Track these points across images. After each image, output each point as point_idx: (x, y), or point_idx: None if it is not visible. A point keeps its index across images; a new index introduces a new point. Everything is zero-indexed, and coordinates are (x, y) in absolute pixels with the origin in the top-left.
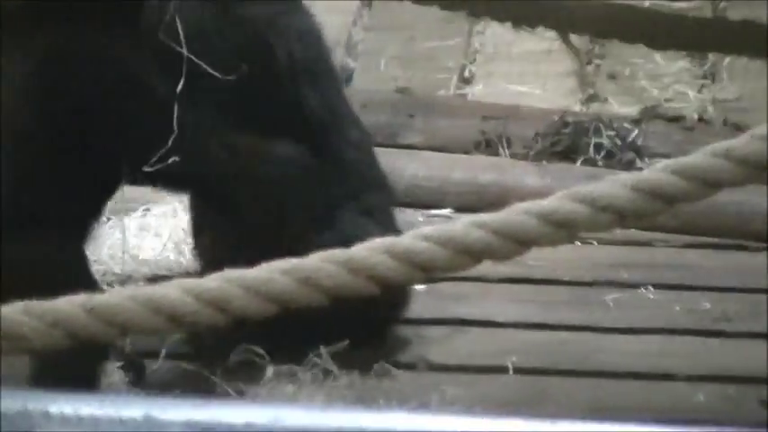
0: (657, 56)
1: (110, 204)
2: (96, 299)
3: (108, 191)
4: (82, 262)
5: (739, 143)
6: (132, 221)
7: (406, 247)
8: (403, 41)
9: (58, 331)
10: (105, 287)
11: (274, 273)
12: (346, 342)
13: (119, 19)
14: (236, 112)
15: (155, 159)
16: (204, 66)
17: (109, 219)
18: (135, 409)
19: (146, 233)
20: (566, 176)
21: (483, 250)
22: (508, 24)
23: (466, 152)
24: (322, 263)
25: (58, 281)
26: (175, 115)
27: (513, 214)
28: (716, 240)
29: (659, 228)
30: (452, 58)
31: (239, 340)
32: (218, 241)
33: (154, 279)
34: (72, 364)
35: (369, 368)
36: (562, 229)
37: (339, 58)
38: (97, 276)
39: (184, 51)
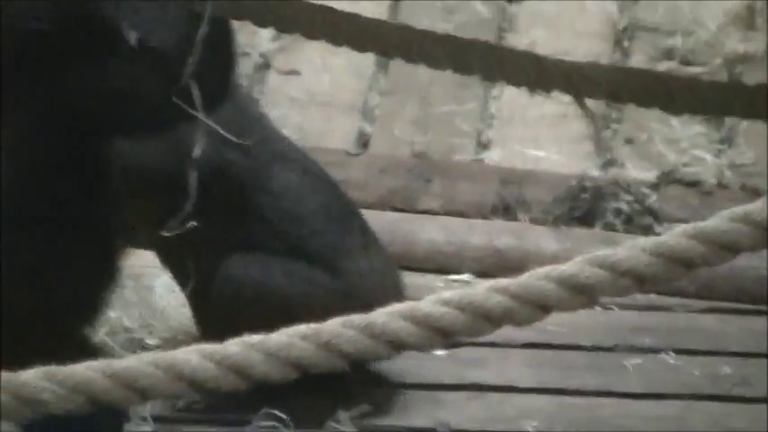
0: (674, 120)
1: (137, 266)
2: (117, 364)
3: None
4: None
5: (757, 207)
6: (158, 282)
7: (426, 313)
8: (419, 106)
9: (79, 396)
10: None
11: (294, 338)
12: (365, 406)
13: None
14: None
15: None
16: (222, 132)
17: (136, 281)
18: None
19: (173, 294)
20: (584, 241)
21: (503, 315)
22: (524, 88)
23: (484, 217)
24: (342, 328)
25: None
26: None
27: (533, 279)
28: (735, 305)
29: (678, 292)
30: (469, 122)
31: (260, 404)
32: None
33: (185, 341)
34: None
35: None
36: (582, 294)
37: (356, 122)
38: (124, 339)
39: (202, 117)
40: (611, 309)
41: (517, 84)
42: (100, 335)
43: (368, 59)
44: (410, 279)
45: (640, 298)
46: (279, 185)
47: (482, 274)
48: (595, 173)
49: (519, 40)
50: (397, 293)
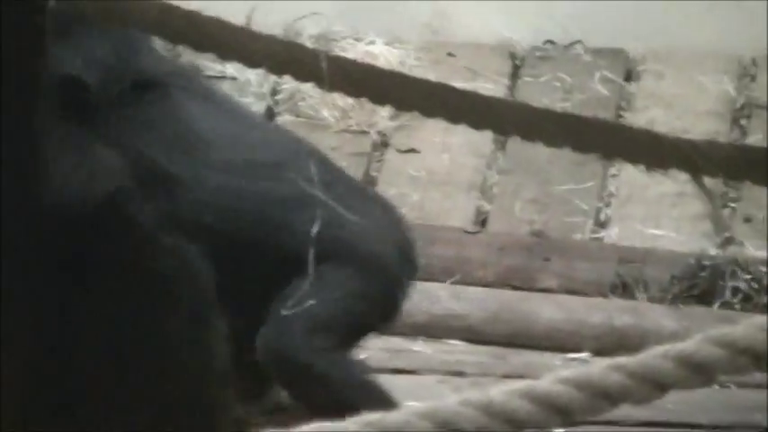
0: None
1: None
2: None
3: None
4: None
5: None
6: None
7: (545, 391)
8: (537, 185)
9: None
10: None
11: (412, 416)
12: None
13: None
14: None
15: None
16: (338, 208)
17: None
18: None
19: None
20: (703, 320)
21: (621, 394)
22: (642, 167)
23: (602, 295)
24: (460, 407)
25: None
26: None
27: (651, 358)
28: None
29: None
30: (587, 201)
31: None
32: None
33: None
34: None
35: None
36: (700, 373)
37: (474, 201)
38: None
39: (320, 195)
40: (728, 387)
41: (635, 162)
42: None
43: (486, 138)
44: (528, 357)
45: (758, 376)
46: (243, 203)
47: (600, 352)
48: (713, 251)
49: (637, 119)
50: (406, 242)
